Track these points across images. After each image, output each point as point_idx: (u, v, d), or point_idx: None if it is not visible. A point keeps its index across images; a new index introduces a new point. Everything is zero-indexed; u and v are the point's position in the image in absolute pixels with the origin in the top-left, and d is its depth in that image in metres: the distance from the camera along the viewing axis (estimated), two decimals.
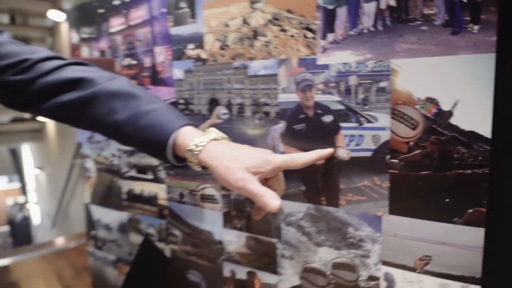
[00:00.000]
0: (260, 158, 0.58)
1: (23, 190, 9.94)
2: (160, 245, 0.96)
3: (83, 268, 1.36)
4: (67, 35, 2.74)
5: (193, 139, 0.59)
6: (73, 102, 0.64)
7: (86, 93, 0.64)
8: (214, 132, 0.62)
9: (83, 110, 0.64)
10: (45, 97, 0.65)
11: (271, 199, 0.55)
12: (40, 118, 5.63)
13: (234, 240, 0.82)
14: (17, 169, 10.00)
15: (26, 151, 9.02)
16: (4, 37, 0.67)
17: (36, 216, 8.86)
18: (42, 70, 0.64)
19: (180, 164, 0.65)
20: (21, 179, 9.97)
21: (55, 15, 3.43)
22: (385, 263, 0.62)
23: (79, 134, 1.11)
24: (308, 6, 0.64)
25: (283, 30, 0.68)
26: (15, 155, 9.80)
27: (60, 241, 1.76)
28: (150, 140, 0.61)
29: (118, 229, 1.05)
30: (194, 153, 0.59)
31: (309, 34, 0.65)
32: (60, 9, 3.41)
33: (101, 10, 0.96)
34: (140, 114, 0.62)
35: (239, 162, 0.57)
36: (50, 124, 6.02)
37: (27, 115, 6.37)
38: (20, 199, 10.04)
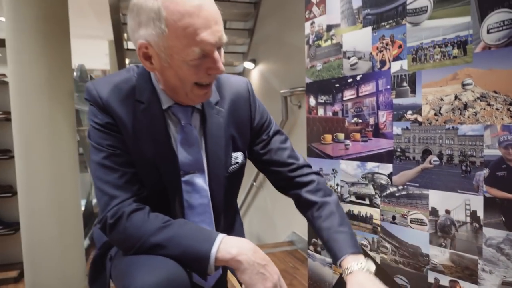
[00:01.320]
0: None
1: None
2: (372, 253, 1.30)
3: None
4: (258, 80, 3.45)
5: (358, 262, 0.87)
6: None
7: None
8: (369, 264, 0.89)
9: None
10: None
11: None
12: None
13: (439, 254, 1.10)
14: None
15: None
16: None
17: None
18: None
19: None
20: None
21: (247, 64, 4.16)
22: None
23: None
24: None
25: (489, 105, 0.97)
26: None
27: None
28: None
29: None
30: (346, 273, 0.87)
31: None
32: (251, 60, 4.15)
33: (337, 85, 1.41)
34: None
35: None
36: None
37: None
38: None
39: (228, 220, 1.05)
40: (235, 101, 0.98)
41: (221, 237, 0.81)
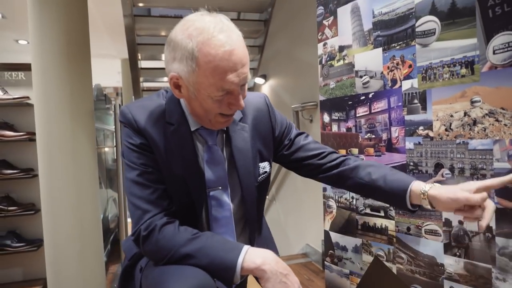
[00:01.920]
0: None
1: None
2: (388, 264, 1.34)
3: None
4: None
5: (426, 184, 0.93)
6: None
7: None
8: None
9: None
10: None
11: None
12: None
13: (453, 264, 1.14)
14: None
15: None
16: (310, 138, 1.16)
17: None
18: None
19: (414, 210, 0.98)
20: None
21: (257, 79, 4.25)
22: None
23: None
24: None
25: (497, 120, 1.03)
26: None
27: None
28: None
29: (352, 250, 1.49)
30: (425, 192, 0.91)
31: None
32: (262, 76, 4.23)
33: (350, 102, 1.48)
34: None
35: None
36: None
37: None
38: None
39: (259, 226, 1.14)
40: (257, 116, 1.07)
41: (246, 248, 0.88)
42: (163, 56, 4.08)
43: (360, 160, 1.09)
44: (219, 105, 0.89)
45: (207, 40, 0.82)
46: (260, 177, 1.06)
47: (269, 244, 1.18)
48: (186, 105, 0.97)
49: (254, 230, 1.09)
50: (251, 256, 0.86)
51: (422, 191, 0.92)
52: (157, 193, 0.95)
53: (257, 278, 0.92)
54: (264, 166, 1.07)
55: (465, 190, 0.86)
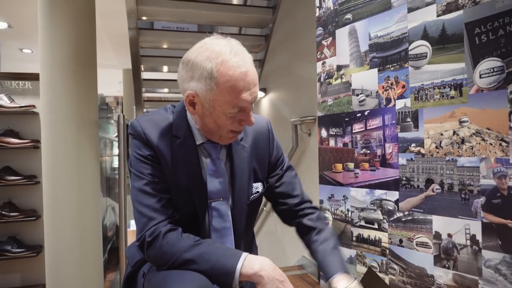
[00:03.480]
0: None
1: None
2: (381, 275, 1.40)
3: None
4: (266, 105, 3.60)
5: (347, 281, 1.00)
6: None
7: None
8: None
9: None
10: None
11: None
12: None
13: (443, 275, 1.20)
14: None
15: None
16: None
17: None
18: None
19: None
20: None
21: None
22: None
23: (321, 193, 1.68)
24: (503, 127, 1.05)
25: (484, 140, 1.10)
26: None
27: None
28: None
29: (347, 261, 1.54)
30: None
31: (504, 143, 1.05)
32: (262, 89, 4.30)
33: (346, 119, 1.55)
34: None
35: None
36: None
37: None
38: None
39: (247, 243, 1.18)
40: (257, 138, 1.14)
41: (245, 255, 0.93)
42: (164, 68, 4.20)
43: (321, 220, 1.17)
44: (232, 122, 0.96)
45: (225, 62, 0.90)
46: (252, 196, 1.12)
47: None
48: (196, 120, 1.03)
49: (240, 244, 1.13)
50: (250, 263, 0.91)
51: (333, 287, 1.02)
52: (162, 201, 1.00)
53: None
54: (257, 186, 1.14)
55: None
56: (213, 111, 0.95)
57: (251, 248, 1.21)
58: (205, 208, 1.06)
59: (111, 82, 7.31)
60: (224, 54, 0.90)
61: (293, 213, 1.16)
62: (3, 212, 2.44)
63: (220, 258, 0.92)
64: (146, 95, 5.21)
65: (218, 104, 0.93)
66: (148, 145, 1.02)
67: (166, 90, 5.30)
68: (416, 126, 1.28)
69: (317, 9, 1.68)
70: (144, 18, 3.47)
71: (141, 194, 1.01)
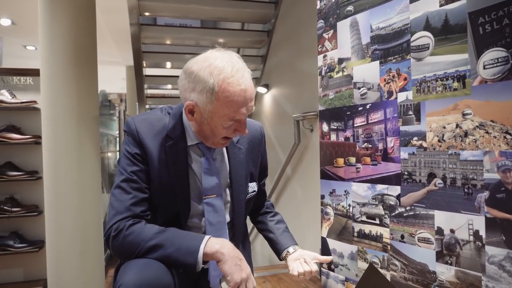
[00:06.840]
0: None
1: None
2: (382, 271, 1.37)
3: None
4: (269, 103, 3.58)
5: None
6: None
7: None
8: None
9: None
10: None
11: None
12: None
13: (445, 271, 1.18)
14: None
15: None
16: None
17: None
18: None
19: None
20: None
21: (260, 89, 4.32)
22: None
23: (323, 188, 1.66)
24: (507, 119, 1.02)
25: (487, 133, 1.07)
26: None
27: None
28: None
29: (348, 257, 1.52)
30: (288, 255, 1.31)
31: (508, 136, 1.02)
32: (264, 85, 4.29)
33: (348, 112, 1.53)
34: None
35: None
36: None
37: None
38: None
39: (241, 236, 1.27)
40: (252, 141, 1.25)
41: (208, 237, 1.02)
42: (167, 64, 4.18)
43: (272, 217, 1.43)
44: (227, 131, 1.05)
45: (227, 79, 0.96)
46: (249, 194, 1.24)
47: (247, 258, 1.26)
48: (193, 125, 1.10)
49: (238, 239, 1.24)
50: (212, 243, 1.00)
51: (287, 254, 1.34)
52: (135, 199, 1.05)
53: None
54: (253, 185, 1.26)
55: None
56: (210, 121, 1.02)
57: (245, 241, 1.32)
58: (187, 208, 1.12)
59: (114, 79, 7.32)
60: (226, 71, 0.97)
61: (258, 214, 1.42)
62: (5, 207, 2.44)
63: (184, 241, 1.00)
64: (149, 91, 5.21)
65: (216, 116, 1.00)
66: (139, 143, 1.07)
67: (169, 86, 5.28)
68: (418, 119, 1.25)
69: (318, 2, 1.65)
70: (146, 14, 3.46)
71: (117, 189, 1.06)
